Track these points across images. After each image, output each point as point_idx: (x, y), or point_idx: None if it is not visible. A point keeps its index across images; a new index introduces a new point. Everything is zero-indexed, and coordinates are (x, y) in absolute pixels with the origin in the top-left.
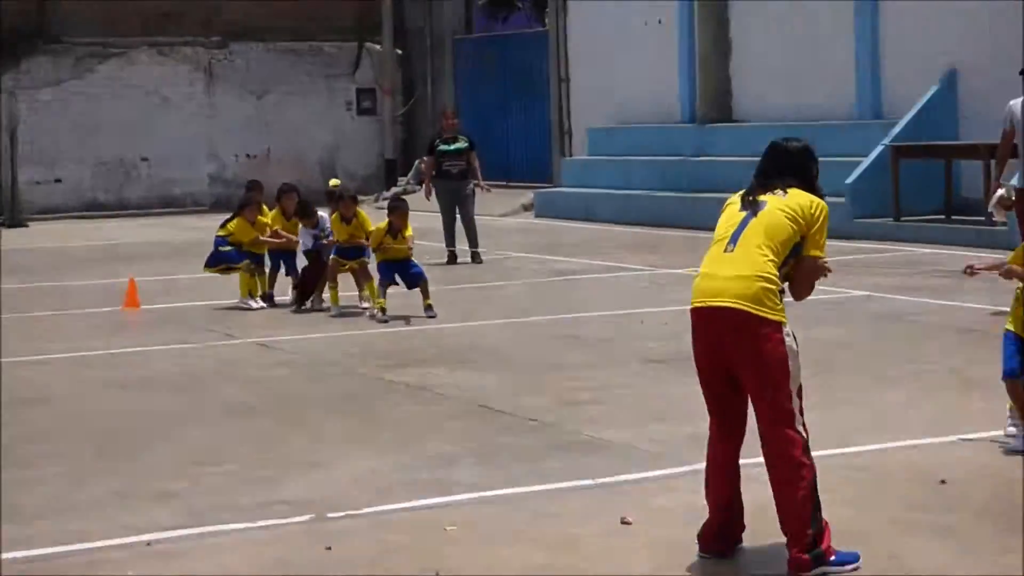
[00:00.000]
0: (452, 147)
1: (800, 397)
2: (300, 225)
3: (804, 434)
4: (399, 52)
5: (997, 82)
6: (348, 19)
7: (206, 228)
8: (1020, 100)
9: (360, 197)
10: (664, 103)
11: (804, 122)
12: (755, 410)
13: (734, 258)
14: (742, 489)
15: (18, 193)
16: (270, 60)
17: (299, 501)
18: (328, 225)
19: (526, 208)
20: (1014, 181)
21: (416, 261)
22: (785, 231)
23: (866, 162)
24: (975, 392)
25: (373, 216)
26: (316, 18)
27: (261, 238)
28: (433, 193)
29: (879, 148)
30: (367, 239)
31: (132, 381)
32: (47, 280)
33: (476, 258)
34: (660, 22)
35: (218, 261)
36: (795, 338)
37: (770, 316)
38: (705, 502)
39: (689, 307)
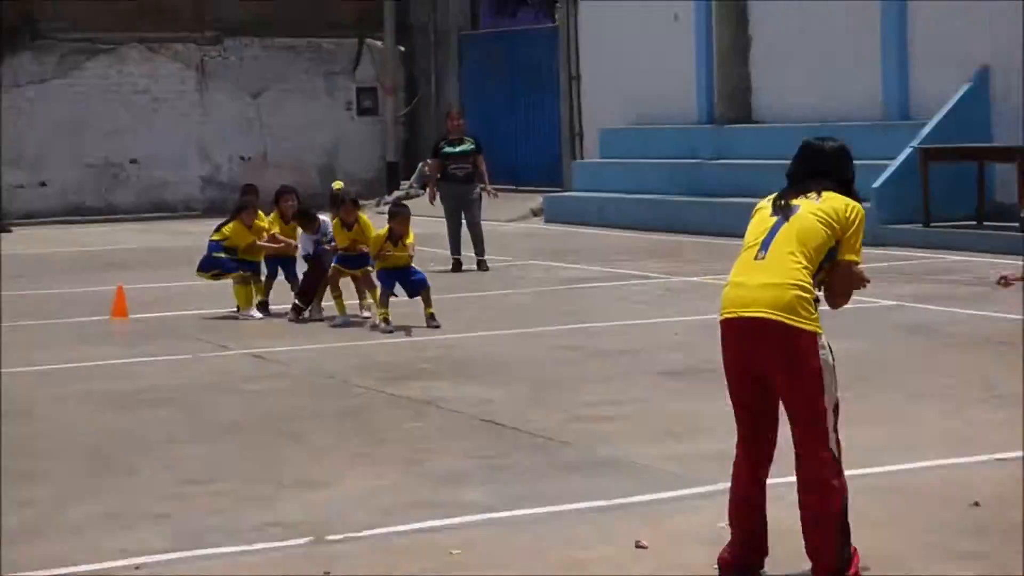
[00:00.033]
0: (458, 149)
1: (836, 413)
2: (300, 231)
3: (837, 453)
4: (402, 49)
5: None
6: (348, 14)
7: (198, 234)
8: None
9: (361, 202)
10: (680, 102)
11: (828, 123)
12: (790, 426)
13: (765, 265)
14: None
15: (0, 197)
16: (266, 57)
17: (296, 523)
18: (330, 230)
19: (535, 213)
20: None
21: (418, 268)
22: (819, 236)
23: (894, 165)
24: (1009, 409)
25: (375, 221)
26: (314, 13)
27: (258, 243)
28: (437, 197)
29: (907, 151)
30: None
31: (120, 395)
32: (31, 288)
33: (482, 266)
34: (676, 17)
35: (211, 266)
36: (831, 350)
37: (804, 326)
38: (728, 524)
39: (718, 318)
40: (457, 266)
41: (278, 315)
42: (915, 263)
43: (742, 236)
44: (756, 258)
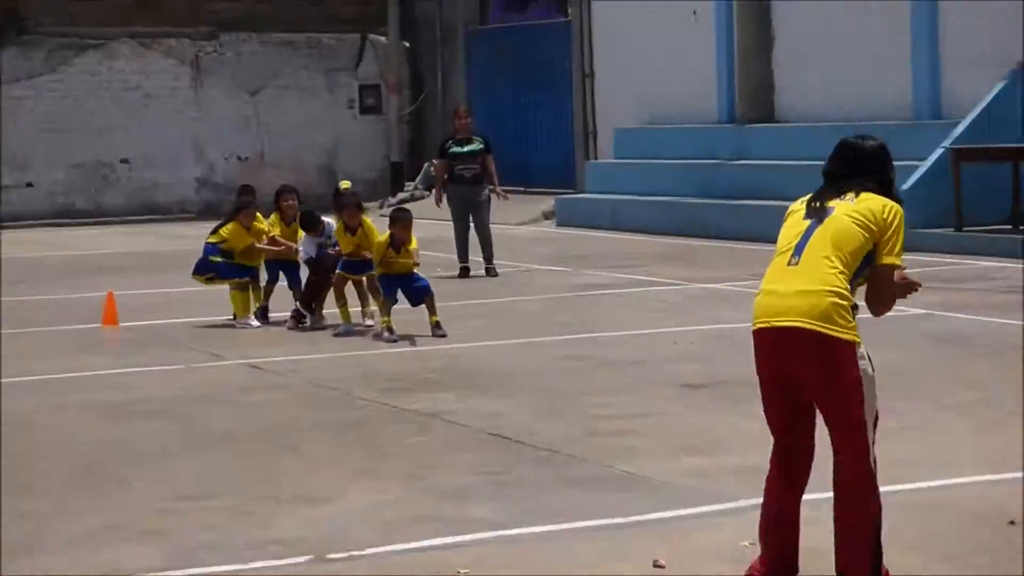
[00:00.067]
0: (466, 149)
1: (875, 426)
2: (303, 233)
3: (875, 470)
4: (406, 44)
5: None
6: (350, 8)
7: (192, 237)
8: None
9: (364, 204)
10: (699, 101)
11: (854, 122)
12: (830, 439)
13: (799, 272)
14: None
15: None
16: (264, 53)
17: (296, 540)
18: (334, 233)
19: (546, 216)
20: None
21: (421, 274)
22: (855, 239)
23: (924, 167)
24: None
25: (379, 225)
26: (315, 7)
27: (257, 245)
28: (444, 199)
29: (938, 151)
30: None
31: (112, 406)
32: (17, 295)
33: (491, 272)
34: (695, 12)
35: (206, 270)
36: (871, 360)
37: (842, 335)
38: (758, 541)
39: (751, 328)
40: (464, 273)
41: (277, 323)
42: (946, 269)
43: (763, 240)
44: (789, 264)
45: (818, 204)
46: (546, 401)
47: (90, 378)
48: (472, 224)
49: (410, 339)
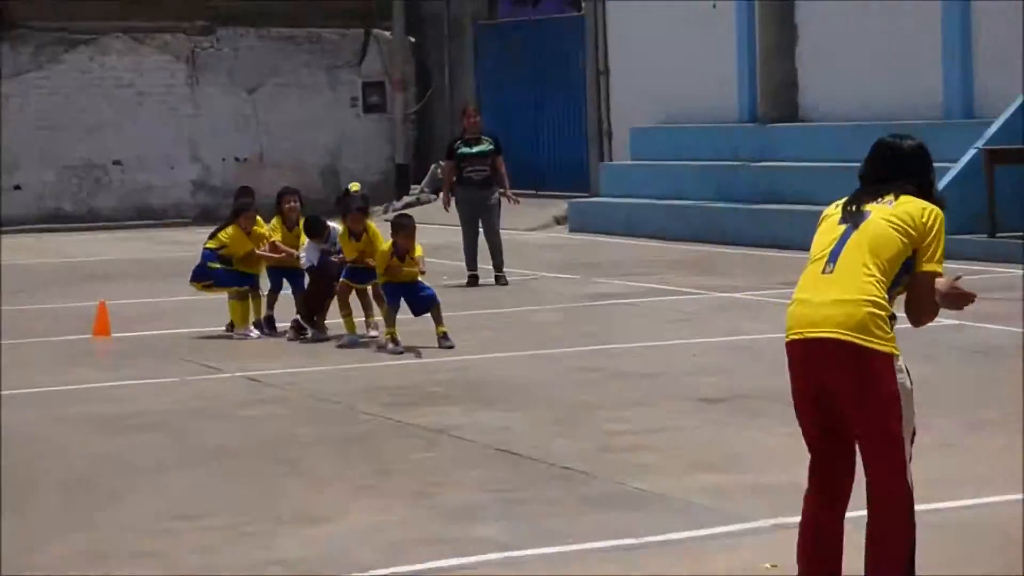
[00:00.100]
0: (475, 150)
1: (912, 444)
2: (307, 239)
3: (911, 489)
4: (412, 40)
5: None
6: (353, 2)
7: (188, 243)
8: None
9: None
10: (719, 99)
11: (882, 121)
12: (863, 456)
13: (834, 280)
14: None
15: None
16: (263, 49)
17: (296, 561)
18: (338, 239)
19: (558, 221)
20: None
21: (427, 283)
22: (893, 245)
23: (955, 169)
24: None
25: (383, 230)
26: (316, 1)
27: (257, 252)
28: (452, 203)
29: (970, 152)
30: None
31: (103, 421)
32: (5, 304)
33: (500, 280)
34: (714, 6)
35: (204, 276)
36: (909, 374)
37: (879, 347)
38: (783, 565)
39: (785, 339)
40: (473, 281)
41: (278, 333)
42: (978, 278)
43: (786, 247)
44: (824, 271)
45: (854, 208)
46: (557, 415)
47: (81, 391)
48: (481, 229)
49: (415, 351)
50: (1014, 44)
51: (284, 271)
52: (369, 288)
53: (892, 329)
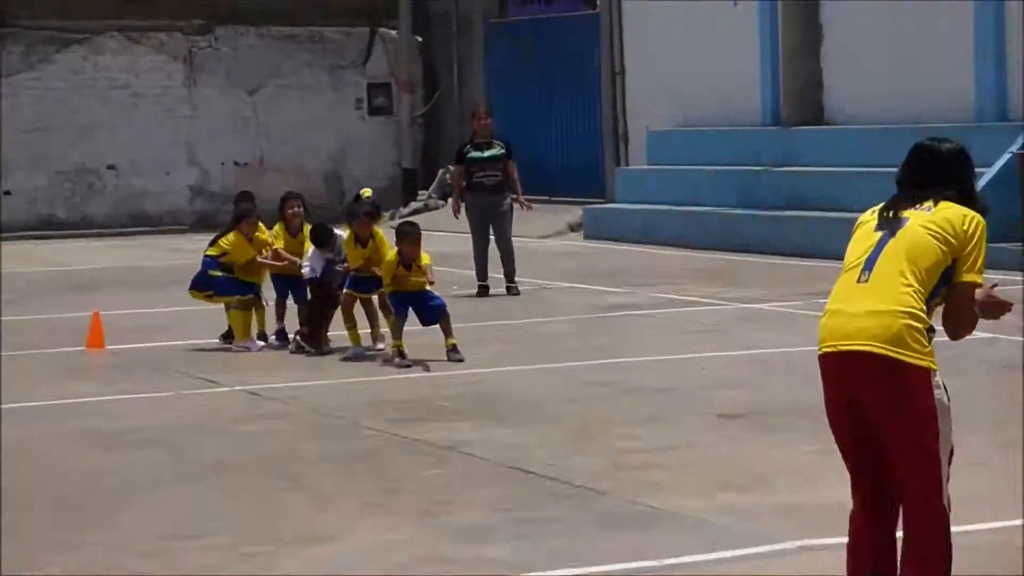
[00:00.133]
0: (486, 154)
1: (950, 460)
2: (312, 247)
3: (949, 509)
4: (419, 39)
5: None
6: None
7: (186, 251)
8: None
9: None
10: (741, 101)
11: (911, 124)
12: (899, 475)
13: (869, 289)
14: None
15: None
16: (263, 48)
17: None
18: (343, 246)
19: (572, 228)
20: None
21: (436, 293)
22: (932, 254)
23: (989, 173)
24: None
25: (391, 237)
26: None
27: (259, 259)
28: (462, 209)
29: (1005, 156)
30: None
31: (97, 436)
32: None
33: (512, 290)
34: (735, 4)
35: (206, 286)
36: (946, 390)
37: (916, 361)
38: None
39: (817, 352)
40: (483, 291)
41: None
42: (1013, 288)
43: (811, 255)
44: (858, 281)
45: (891, 214)
46: (571, 432)
47: (74, 406)
48: (492, 237)
49: (423, 364)
50: None
51: (288, 279)
52: (374, 298)
53: (930, 342)
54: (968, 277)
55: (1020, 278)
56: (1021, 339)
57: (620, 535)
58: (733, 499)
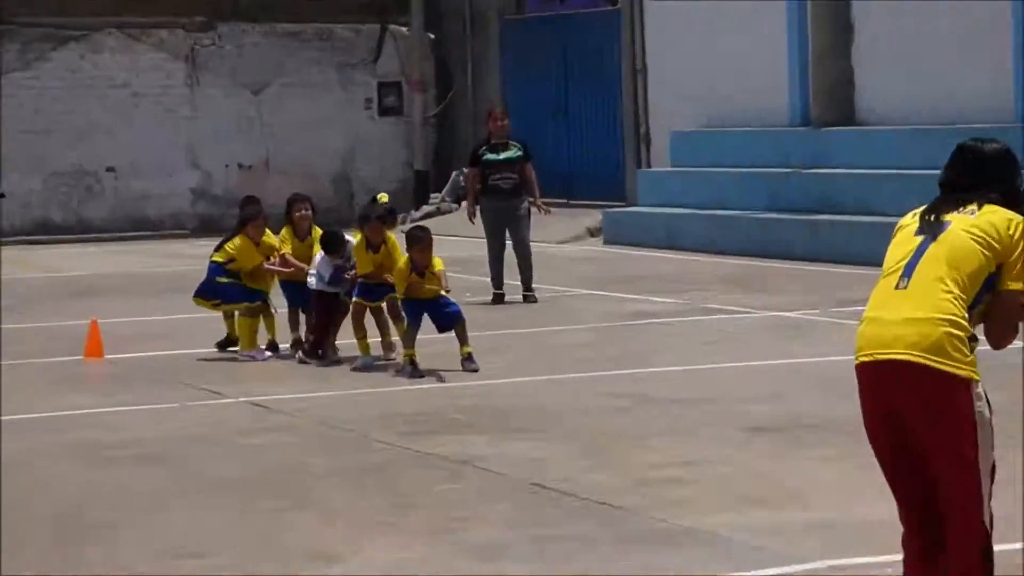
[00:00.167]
0: (502, 156)
1: (992, 478)
2: (319, 251)
3: (990, 527)
4: (432, 36)
5: None
6: None
7: (188, 257)
8: None
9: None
10: (769, 100)
11: (947, 125)
12: (939, 490)
13: (909, 296)
14: None
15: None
16: (268, 46)
17: None
18: (353, 251)
19: (592, 233)
20: None
21: (451, 298)
22: (974, 259)
23: None
24: None
25: (402, 244)
26: None
27: (266, 266)
28: (478, 214)
29: None
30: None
31: (95, 450)
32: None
33: (529, 298)
34: None
35: (213, 294)
36: (989, 402)
37: (956, 371)
38: None
39: (854, 361)
40: (498, 299)
41: (286, 356)
42: None
43: (841, 261)
44: (897, 287)
45: (932, 218)
46: (591, 445)
47: (72, 418)
48: (509, 242)
49: (436, 374)
50: None
51: (298, 286)
52: (384, 306)
53: (972, 352)
54: (1013, 284)
55: None
56: None
57: (642, 554)
58: (760, 516)
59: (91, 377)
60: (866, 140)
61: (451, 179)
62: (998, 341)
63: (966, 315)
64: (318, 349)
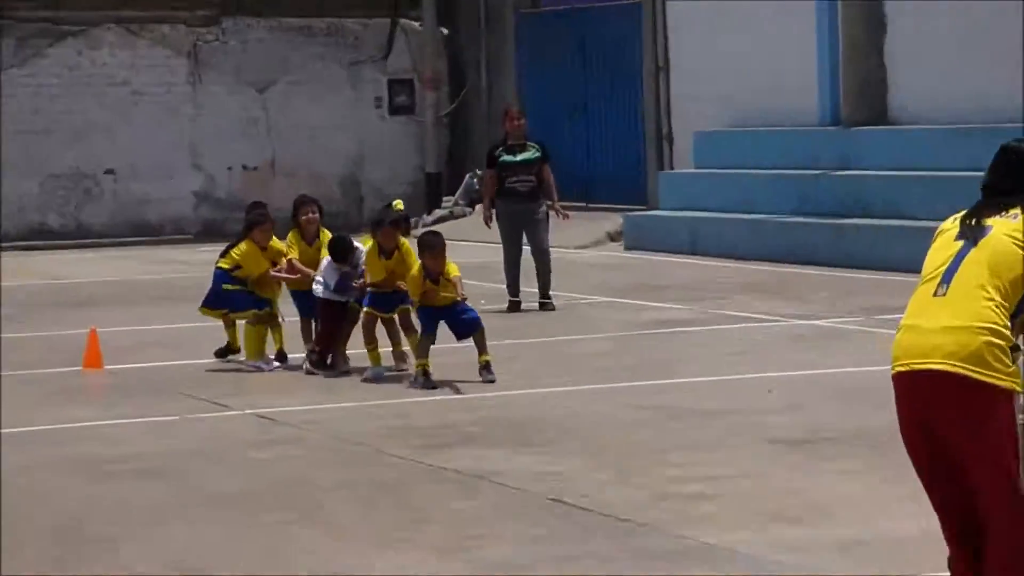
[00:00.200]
0: (519, 158)
1: None
2: (327, 258)
3: None
4: (445, 32)
5: None
6: None
7: (190, 263)
8: None
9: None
10: (797, 99)
11: (982, 124)
12: (980, 504)
13: (948, 303)
14: None
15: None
16: (274, 42)
17: None
18: (362, 261)
19: (612, 237)
20: None
21: (469, 305)
22: (1017, 265)
23: None
24: None
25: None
26: None
27: (272, 272)
28: (494, 217)
29: None
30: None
31: (95, 465)
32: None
33: (546, 305)
34: None
35: (221, 303)
36: None
37: (996, 381)
38: None
39: (891, 371)
40: (514, 307)
41: (295, 367)
42: None
43: (872, 266)
44: (936, 294)
45: (973, 222)
46: (611, 459)
47: (70, 431)
48: (526, 247)
49: (451, 385)
50: None
51: (309, 294)
52: (396, 315)
53: (1015, 362)
54: None
55: None
56: None
57: (664, 571)
58: (787, 532)
59: (90, 388)
60: (898, 140)
61: (464, 181)
62: None
63: (1008, 323)
64: (326, 359)
